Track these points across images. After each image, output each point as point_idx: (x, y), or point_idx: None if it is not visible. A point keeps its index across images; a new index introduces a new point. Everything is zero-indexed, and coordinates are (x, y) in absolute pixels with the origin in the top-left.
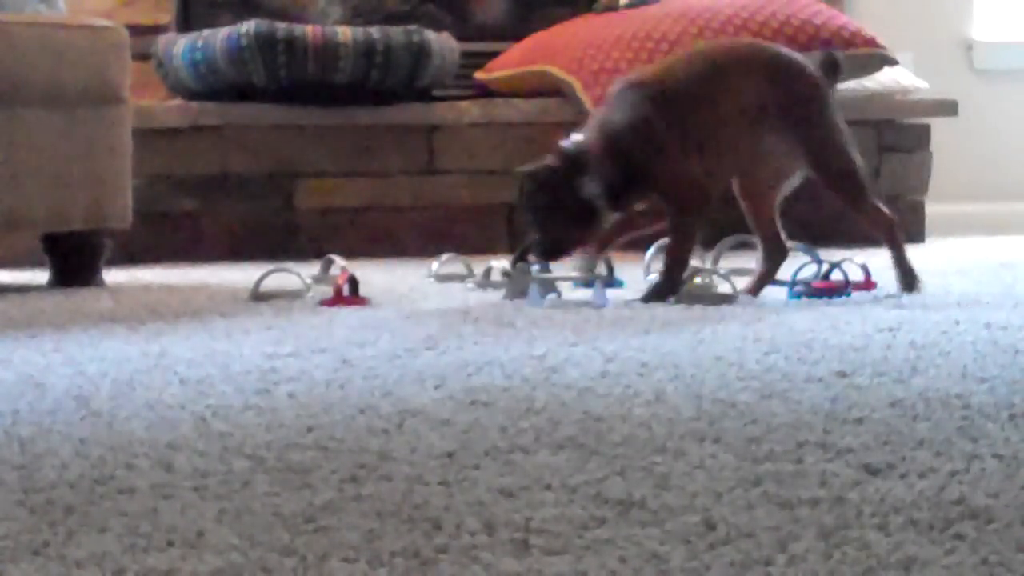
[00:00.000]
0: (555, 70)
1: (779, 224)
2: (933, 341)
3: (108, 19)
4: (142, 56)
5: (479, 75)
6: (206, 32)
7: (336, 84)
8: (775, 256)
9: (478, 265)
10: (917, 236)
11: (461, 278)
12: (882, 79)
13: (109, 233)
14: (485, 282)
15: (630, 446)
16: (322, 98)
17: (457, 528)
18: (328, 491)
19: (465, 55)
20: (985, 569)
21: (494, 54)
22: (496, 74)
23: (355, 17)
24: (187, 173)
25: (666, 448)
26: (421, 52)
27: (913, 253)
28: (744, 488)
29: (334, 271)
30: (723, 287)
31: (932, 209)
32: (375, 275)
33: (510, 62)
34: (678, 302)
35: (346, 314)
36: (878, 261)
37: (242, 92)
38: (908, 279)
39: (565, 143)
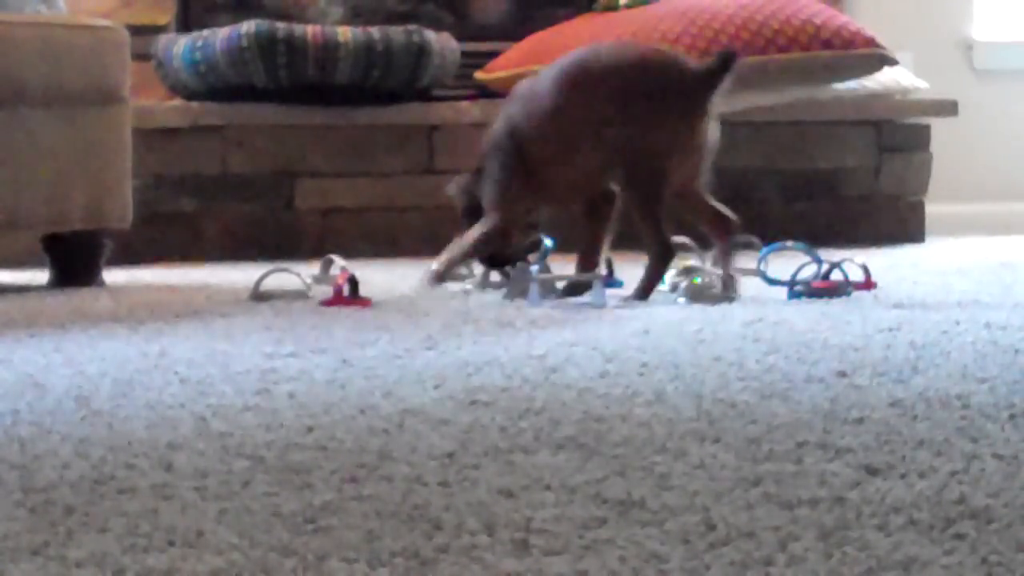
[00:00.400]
0: None
1: (712, 202)
2: (933, 341)
3: (108, 19)
4: (142, 56)
5: (479, 75)
6: (206, 32)
7: (336, 84)
8: (725, 226)
9: (478, 265)
10: (917, 236)
11: (461, 278)
12: (882, 79)
13: (109, 233)
14: (485, 282)
15: (630, 446)
16: (322, 98)
17: (457, 528)
18: (328, 491)
19: (465, 55)
20: (985, 569)
21: (494, 54)
22: (496, 74)
23: (355, 17)
24: (187, 173)
25: (666, 448)
26: (421, 52)
27: (913, 253)
28: (744, 488)
29: (334, 271)
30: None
31: (932, 209)
32: (375, 275)
33: (510, 62)
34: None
35: (346, 314)
36: (878, 261)
37: (242, 92)
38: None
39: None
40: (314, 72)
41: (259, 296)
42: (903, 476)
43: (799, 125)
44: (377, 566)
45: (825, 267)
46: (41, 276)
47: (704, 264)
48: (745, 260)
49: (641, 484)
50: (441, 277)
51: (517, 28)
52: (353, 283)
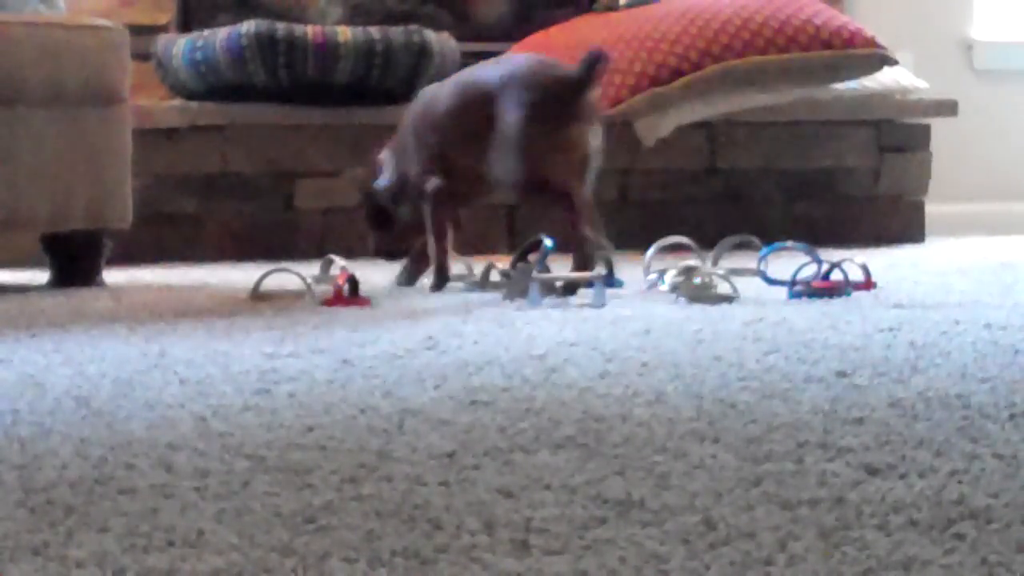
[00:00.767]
0: None
1: (586, 215)
2: (933, 341)
3: (108, 19)
4: (142, 56)
5: None
6: (206, 32)
7: (336, 84)
8: (582, 243)
9: (478, 265)
10: (917, 236)
11: (461, 278)
12: (882, 79)
13: (109, 233)
14: (484, 282)
15: (630, 446)
16: (322, 98)
17: (457, 528)
18: (328, 491)
19: (465, 55)
20: (985, 569)
21: (494, 54)
22: None
23: (355, 17)
24: (187, 173)
25: (666, 448)
26: (421, 52)
27: (913, 253)
28: (744, 488)
29: (334, 271)
30: (723, 287)
31: (932, 209)
32: (375, 275)
33: None
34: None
35: (346, 314)
36: (878, 261)
37: (242, 92)
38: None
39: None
40: (314, 72)
41: (259, 296)
42: (903, 476)
43: (799, 125)
44: (377, 566)
45: (825, 267)
46: (41, 276)
47: (704, 264)
48: (745, 260)
49: (641, 484)
50: (443, 280)
51: (517, 28)
52: (353, 283)
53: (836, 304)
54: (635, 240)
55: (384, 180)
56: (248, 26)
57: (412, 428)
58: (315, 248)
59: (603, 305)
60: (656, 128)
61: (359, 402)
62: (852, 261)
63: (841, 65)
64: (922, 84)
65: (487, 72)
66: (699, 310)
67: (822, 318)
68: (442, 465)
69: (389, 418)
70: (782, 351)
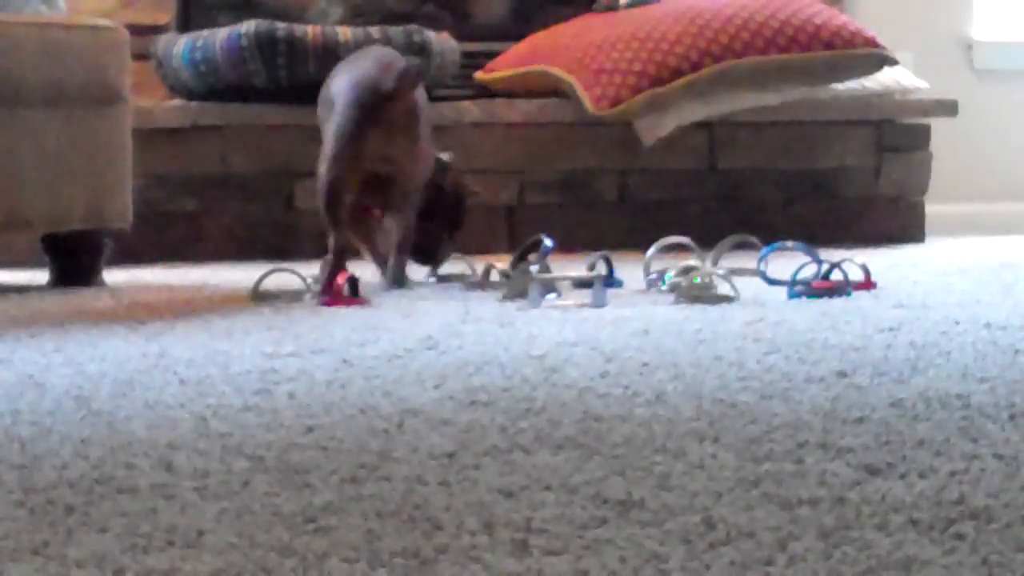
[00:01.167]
0: (555, 70)
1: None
2: (933, 341)
3: (108, 19)
4: (142, 56)
5: (479, 75)
6: (206, 32)
7: None
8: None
9: (479, 265)
10: (917, 236)
11: (461, 278)
12: (882, 79)
13: (109, 233)
14: (484, 282)
15: (630, 446)
16: None
17: (457, 528)
18: (328, 491)
19: (465, 55)
20: (985, 569)
21: (494, 54)
22: (496, 74)
23: (355, 17)
24: (187, 173)
25: (666, 448)
26: (421, 52)
27: (913, 253)
28: (744, 488)
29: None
30: (723, 287)
31: (932, 209)
32: (375, 275)
33: (510, 62)
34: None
35: (346, 314)
36: (878, 261)
37: (242, 92)
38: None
39: None
40: (314, 72)
41: (259, 296)
42: (903, 476)
43: (799, 125)
44: (377, 566)
45: (825, 267)
46: (41, 276)
47: (704, 264)
48: (745, 260)
49: (641, 484)
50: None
51: (517, 28)
52: (353, 283)
53: (836, 304)
54: (635, 240)
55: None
56: (248, 26)
57: (412, 428)
58: (315, 248)
59: (603, 305)
60: (656, 128)
61: (359, 402)
62: (852, 261)
63: (841, 65)
64: (922, 84)
65: (335, 71)
66: (699, 310)
67: (822, 318)
68: (442, 465)
69: (389, 418)
70: (782, 351)
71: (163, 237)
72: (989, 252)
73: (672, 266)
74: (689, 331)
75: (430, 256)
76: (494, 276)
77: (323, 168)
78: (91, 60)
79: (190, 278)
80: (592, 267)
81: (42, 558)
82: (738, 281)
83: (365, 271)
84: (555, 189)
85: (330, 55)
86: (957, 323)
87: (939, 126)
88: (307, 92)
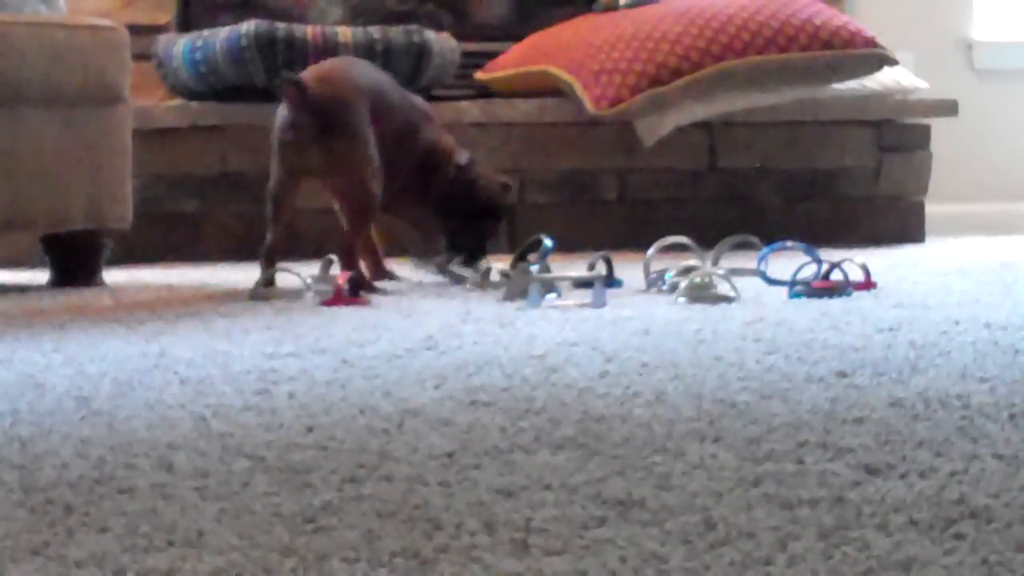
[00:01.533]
0: (555, 70)
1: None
2: (933, 341)
3: (108, 19)
4: (142, 56)
5: (479, 75)
6: (206, 32)
7: None
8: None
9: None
10: (917, 236)
11: (461, 278)
12: (882, 79)
13: (109, 233)
14: (484, 282)
15: (630, 446)
16: None
17: (457, 528)
18: (328, 491)
19: (465, 55)
20: (985, 569)
21: (494, 54)
22: (496, 74)
23: (355, 17)
24: (187, 173)
25: (666, 448)
26: (421, 52)
27: (913, 253)
28: (744, 488)
29: (334, 271)
30: (723, 287)
31: (932, 209)
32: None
33: (510, 62)
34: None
35: (346, 314)
36: (878, 261)
37: (242, 92)
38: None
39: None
40: None
41: (259, 296)
42: (903, 476)
43: (799, 125)
44: (377, 566)
45: (825, 267)
46: (41, 276)
47: (704, 264)
48: (745, 260)
49: (641, 484)
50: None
51: (517, 28)
52: (353, 283)
53: (836, 304)
54: (635, 240)
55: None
56: (248, 26)
57: (412, 428)
58: (315, 248)
59: (603, 305)
60: (656, 128)
61: (359, 402)
62: (852, 261)
63: (841, 65)
64: (922, 84)
65: None
66: (699, 310)
67: (822, 318)
68: (442, 465)
69: (389, 418)
70: (782, 351)
71: (163, 237)
72: (989, 252)
73: (672, 266)
74: (689, 331)
75: (469, 253)
76: (494, 276)
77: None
78: (91, 60)
79: (190, 278)
80: (592, 267)
81: (42, 558)
82: (738, 281)
83: (364, 271)
84: (555, 189)
85: (330, 55)
86: (957, 323)
87: (939, 126)
88: None
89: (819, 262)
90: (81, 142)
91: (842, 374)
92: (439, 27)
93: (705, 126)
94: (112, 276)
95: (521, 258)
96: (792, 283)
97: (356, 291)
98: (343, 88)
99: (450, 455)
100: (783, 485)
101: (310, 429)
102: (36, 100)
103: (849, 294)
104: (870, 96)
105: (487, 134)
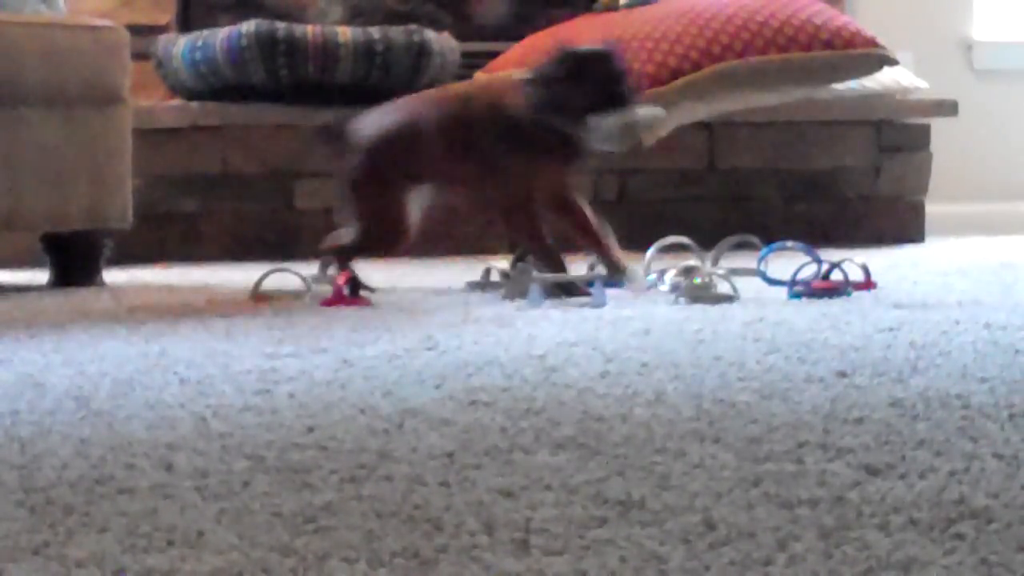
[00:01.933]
0: None
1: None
2: (933, 341)
3: (108, 19)
4: (142, 56)
5: (479, 75)
6: (206, 32)
7: (336, 84)
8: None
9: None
10: (917, 236)
11: (483, 285)
12: (882, 79)
13: (109, 233)
14: (485, 282)
15: (630, 446)
16: (322, 98)
17: (457, 528)
18: (328, 491)
19: (465, 55)
20: (985, 569)
21: (494, 54)
22: (496, 74)
23: (355, 17)
24: (187, 173)
25: (666, 448)
26: (421, 52)
27: (913, 253)
28: (744, 488)
29: (333, 271)
30: (723, 287)
31: (932, 209)
32: (375, 275)
33: (510, 62)
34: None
35: (346, 314)
36: (878, 261)
37: (242, 92)
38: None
39: None
40: (314, 72)
41: (259, 296)
42: (903, 476)
43: (799, 125)
44: (377, 566)
45: (825, 267)
46: (41, 276)
47: (704, 264)
48: (745, 260)
49: (641, 484)
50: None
51: (517, 28)
52: (353, 283)
53: (836, 304)
54: (635, 240)
55: None
56: (248, 26)
57: (412, 428)
58: (315, 248)
59: (603, 305)
60: (656, 128)
61: (359, 402)
62: (852, 261)
63: (841, 65)
64: (922, 84)
65: None
66: (699, 310)
67: (822, 318)
68: (442, 465)
69: (389, 418)
70: (782, 351)
71: (163, 237)
72: (989, 252)
73: (672, 266)
74: (689, 331)
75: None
76: (494, 276)
77: None
78: (91, 60)
79: (190, 278)
80: (592, 267)
81: (42, 558)
82: (738, 281)
83: (361, 271)
84: None
85: (330, 55)
86: (957, 323)
87: (939, 126)
88: (307, 92)
89: (819, 262)
90: (81, 142)
91: (842, 374)
92: (439, 27)
93: (705, 126)
94: (112, 276)
95: (521, 258)
96: (792, 283)
97: (356, 291)
98: None
99: (450, 455)
100: (783, 485)
101: (310, 429)
102: (36, 100)
103: (849, 294)
104: (870, 96)
105: None
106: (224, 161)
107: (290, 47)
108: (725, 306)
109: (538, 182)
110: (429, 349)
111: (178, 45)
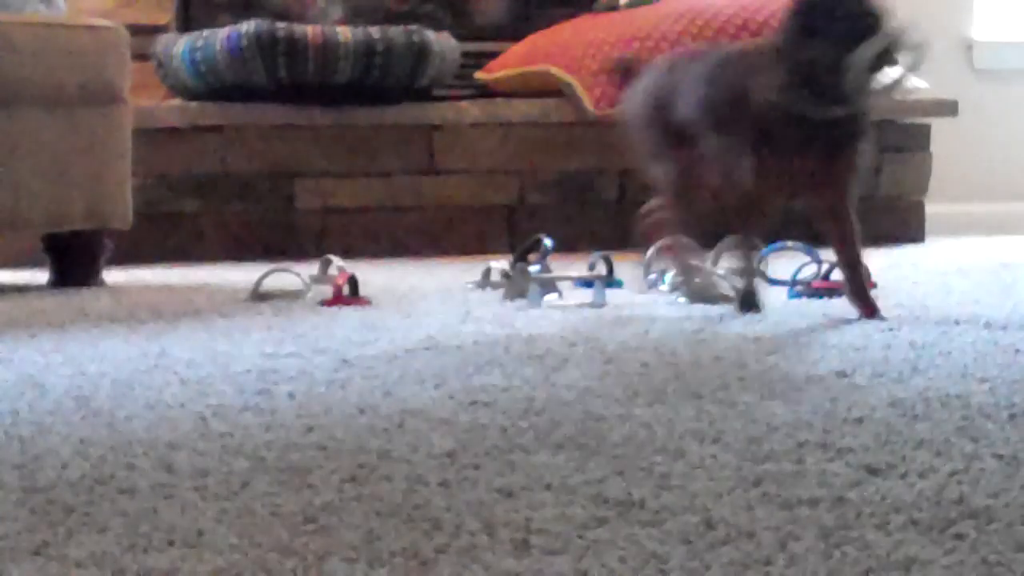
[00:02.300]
0: (555, 70)
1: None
2: (933, 341)
3: (108, 19)
4: (142, 56)
5: (479, 75)
6: (206, 32)
7: (336, 84)
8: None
9: (480, 265)
10: (917, 236)
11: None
12: (882, 79)
13: (109, 233)
14: (484, 282)
15: (630, 446)
16: (322, 98)
17: (457, 528)
18: (328, 491)
19: (465, 55)
20: (985, 569)
21: (494, 54)
22: (497, 74)
23: (355, 17)
24: (187, 173)
25: (666, 448)
26: (421, 52)
27: (913, 253)
28: (744, 488)
29: (333, 271)
30: (723, 287)
31: (932, 209)
32: (375, 275)
33: (511, 62)
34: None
35: (346, 314)
36: (878, 261)
37: (242, 92)
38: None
39: None
40: (314, 72)
41: (259, 296)
42: (903, 476)
43: None
44: (377, 566)
45: (825, 267)
46: (41, 276)
47: (704, 264)
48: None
49: (641, 484)
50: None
51: (517, 28)
52: (353, 283)
53: (836, 304)
54: (635, 240)
55: None
56: (248, 26)
57: (412, 428)
58: (315, 248)
59: (603, 305)
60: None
61: (359, 402)
62: None
63: None
64: (922, 84)
65: None
66: (699, 310)
67: (822, 318)
68: (442, 465)
69: (389, 418)
70: (782, 351)
71: (163, 237)
72: (989, 252)
73: (672, 266)
74: (689, 331)
75: None
76: (494, 276)
77: None
78: (91, 60)
79: (190, 278)
80: (592, 267)
81: (42, 558)
82: (738, 281)
83: (361, 271)
84: (555, 189)
85: (330, 55)
86: (957, 323)
87: (939, 126)
88: (307, 92)
89: (819, 262)
90: (81, 142)
91: (842, 374)
92: (439, 27)
93: None
94: (112, 276)
95: (521, 258)
96: (792, 283)
97: (356, 291)
98: None
99: (450, 455)
100: (783, 485)
101: (310, 429)
102: (36, 100)
103: None
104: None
105: (487, 134)
106: (224, 161)
107: (290, 47)
108: (725, 306)
109: (780, 182)
110: (429, 349)
111: (178, 45)
